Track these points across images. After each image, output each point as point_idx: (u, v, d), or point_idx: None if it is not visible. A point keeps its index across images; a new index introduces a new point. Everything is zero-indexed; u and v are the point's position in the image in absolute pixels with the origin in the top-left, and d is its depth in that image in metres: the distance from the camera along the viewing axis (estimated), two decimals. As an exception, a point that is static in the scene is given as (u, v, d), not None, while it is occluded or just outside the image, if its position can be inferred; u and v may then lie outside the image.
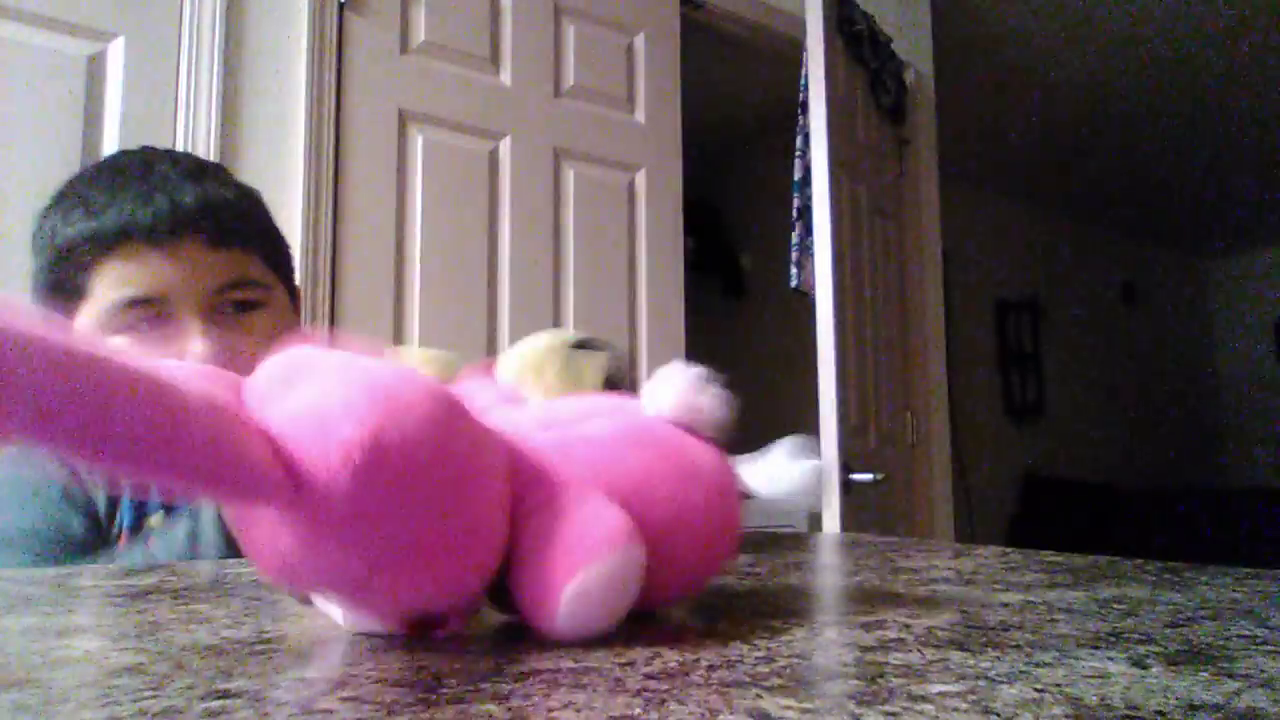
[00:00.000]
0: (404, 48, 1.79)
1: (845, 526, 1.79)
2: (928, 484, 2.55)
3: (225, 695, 0.20)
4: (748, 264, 4.06)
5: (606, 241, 2.03)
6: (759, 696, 0.19)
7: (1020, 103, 3.85)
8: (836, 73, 2.01)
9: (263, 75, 1.62)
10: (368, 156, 1.72)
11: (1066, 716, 0.18)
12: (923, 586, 0.38)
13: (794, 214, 2.15)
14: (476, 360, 0.42)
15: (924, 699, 0.19)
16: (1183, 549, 4.32)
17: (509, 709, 0.19)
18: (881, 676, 0.21)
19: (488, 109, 1.89)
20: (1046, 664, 0.23)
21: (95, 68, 1.48)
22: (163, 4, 1.53)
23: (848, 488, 1.81)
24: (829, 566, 0.50)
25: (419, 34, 1.81)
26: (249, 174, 1.49)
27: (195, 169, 0.77)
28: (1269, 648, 0.25)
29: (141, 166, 0.74)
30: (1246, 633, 0.27)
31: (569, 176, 1.99)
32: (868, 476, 1.87)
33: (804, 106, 2.07)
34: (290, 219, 1.59)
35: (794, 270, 2.11)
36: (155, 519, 0.72)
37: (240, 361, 0.69)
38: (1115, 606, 0.32)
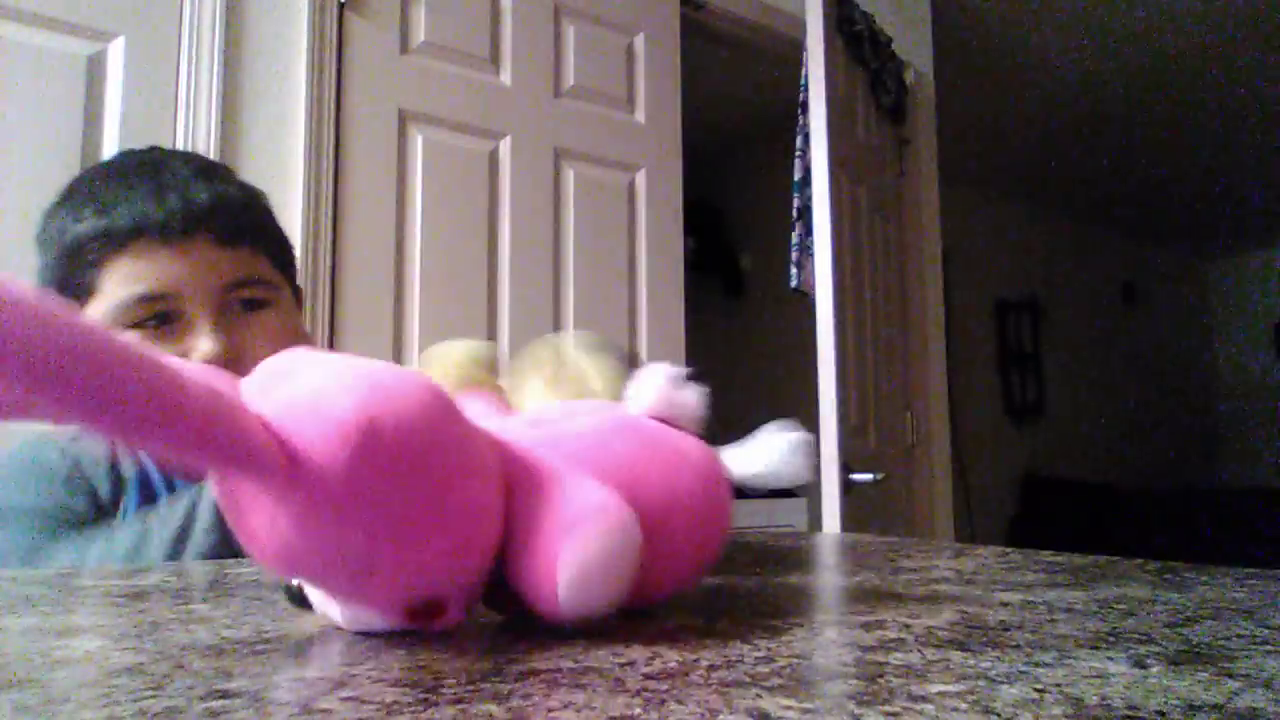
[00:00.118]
0: (404, 48, 1.79)
1: (845, 526, 1.79)
2: (928, 484, 2.55)
3: (225, 695, 0.20)
4: (748, 264, 4.06)
5: (606, 241, 2.03)
6: (759, 696, 0.19)
7: (1020, 103, 3.85)
8: (836, 73, 2.01)
9: (263, 75, 1.62)
10: (368, 156, 1.72)
11: (1066, 716, 0.18)
12: (923, 586, 0.38)
13: (794, 214, 2.15)
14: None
15: (924, 699, 0.19)
16: (1183, 549, 4.32)
17: (509, 709, 0.19)
18: (881, 676, 0.21)
19: (488, 109, 1.89)
20: (1046, 664, 0.23)
21: (95, 68, 1.48)
22: (163, 4, 1.53)
23: (848, 488, 1.81)
24: (829, 566, 0.50)
25: (419, 34, 1.81)
26: (249, 174, 1.49)
27: (205, 168, 0.78)
28: (1269, 648, 0.25)
29: (152, 165, 0.75)
30: (1246, 633, 0.27)
31: (569, 176, 1.99)
32: (868, 476, 1.87)
33: (804, 106, 2.07)
34: (290, 219, 1.59)
35: (794, 270, 2.11)
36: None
37: (247, 360, 0.70)
38: (1115, 606, 0.32)
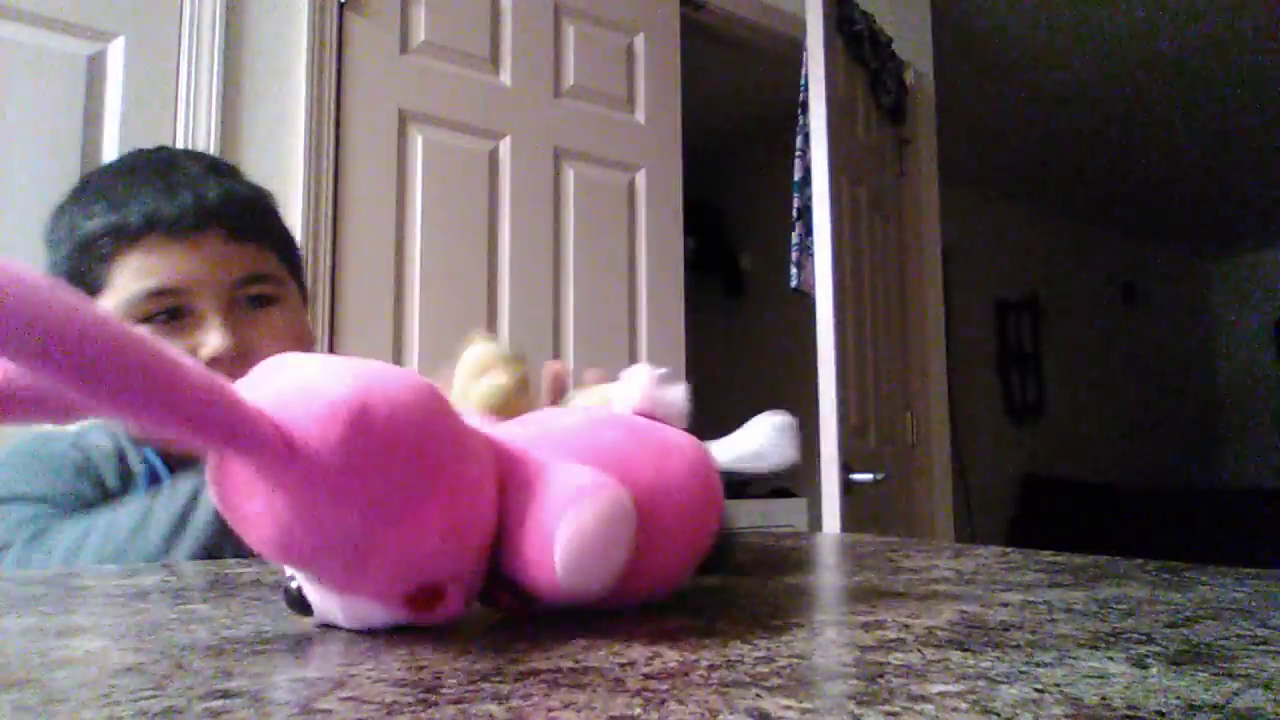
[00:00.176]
0: (404, 48, 1.79)
1: (845, 526, 1.79)
2: (928, 484, 2.55)
3: (225, 695, 0.20)
4: (748, 264, 4.06)
5: (606, 241, 2.03)
6: (759, 696, 0.19)
7: (1020, 103, 3.85)
8: (836, 73, 2.01)
9: (263, 75, 1.62)
10: (368, 156, 1.72)
11: (1066, 716, 0.18)
12: (923, 586, 0.38)
13: (794, 214, 2.15)
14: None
15: (924, 699, 0.19)
16: (1183, 549, 4.32)
17: (509, 709, 0.19)
18: (881, 676, 0.21)
19: (488, 109, 1.89)
20: (1046, 664, 0.23)
21: (95, 68, 1.48)
22: (163, 4, 1.53)
23: (848, 488, 1.81)
24: (829, 566, 0.50)
25: (419, 34, 1.81)
26: (249, 174, 1.49)
27: (215, 165, 0.79)
28: (1269, 648, 0.25)
29: (163, 163, 0.76)
30: (1246, 633, 0.27)
31: (569, 176, 1.99)
32: (868, 476, 1.87)
33: (804, 106, 2.07)
34: (290, 219, 1.58)
35: (794, 270, 2.11)
36: None
37: (255, 356, 0.70)
38: (1115, 606, 0.32)
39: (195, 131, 1.53)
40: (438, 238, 1.79)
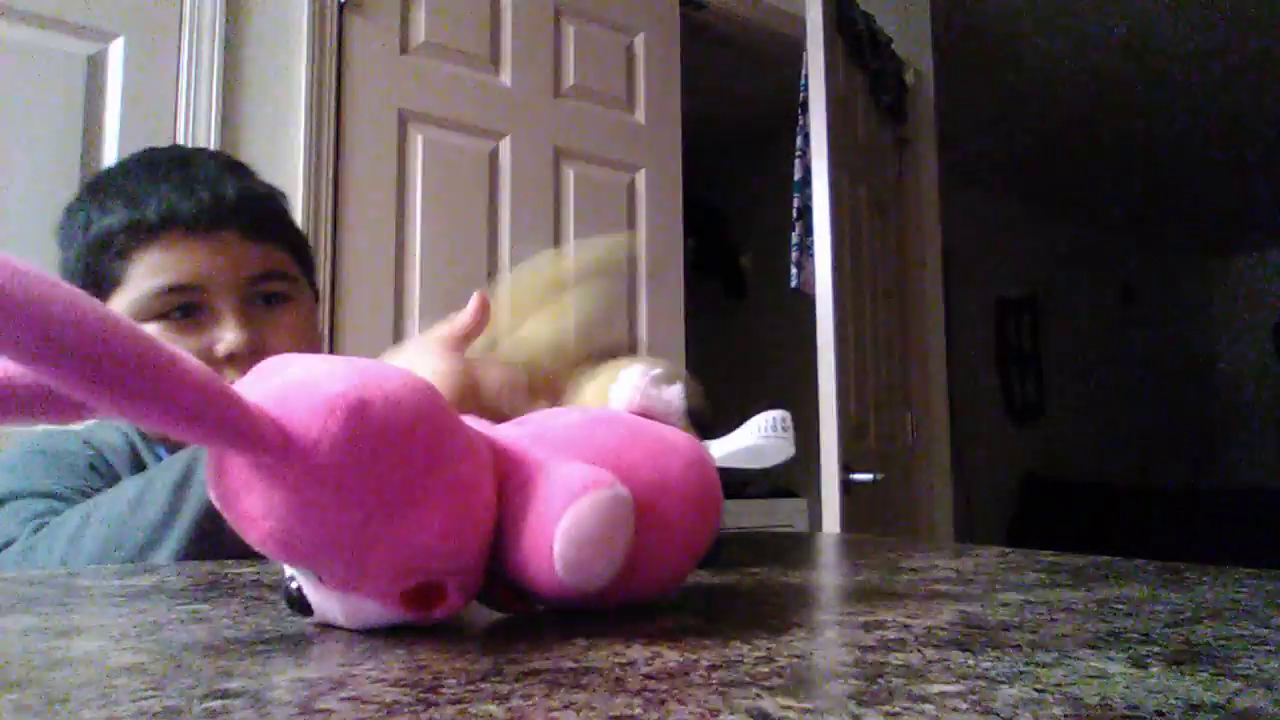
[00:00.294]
0: (404, 48, 1.79)
1: (845, 526, 1.79)
2: (928, 484, 2.55)
3: (225, 695, 0.20)
4: (748, 264, 4.06)
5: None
6: (759, 696, 0.19)
7: (1020, 103, 3.85)
8: (836, 73, 2.01)
9: (263, 76, 1.62)
10: (368, 156, 1.72)
11: (1066, 716, 0.18)
12: (923, 586, 0.38)
13: (794, 214, 2.15)
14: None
15: (924, 699, 0.19)
16: (1183, 549, 4.32)
17: (509, 709, 0.19)
18: (881, 676, 0.21)
19: (488, 109, 1.89)
20: (1046, 664, 0.23)
21: (95, 68, 1.48)
22: (163, 4, 1.53)
23: (848, 488, 1.81)
24: (829, 566, 0.50)
25: (419, 34, 1.81)
26: (249, 174, 1.49)
27: (231, 164, 0.80)
28: (1269, 648, 0.25)
29: (179, 161, 0.76)
30: (1246, 633, 0.27)
31: (569, 176, 1.99)
32: (868, 476, 1.87)
33: (804, 106, 2.07)
34: (290, 219, 1.59)
35: (794, 270, 2.11)
36: None
37: (268, 355, 0.70)
38: (1115, 606, 0.33)
39: (195, 131, 1.53)
40: (438, 238, 1.79)
